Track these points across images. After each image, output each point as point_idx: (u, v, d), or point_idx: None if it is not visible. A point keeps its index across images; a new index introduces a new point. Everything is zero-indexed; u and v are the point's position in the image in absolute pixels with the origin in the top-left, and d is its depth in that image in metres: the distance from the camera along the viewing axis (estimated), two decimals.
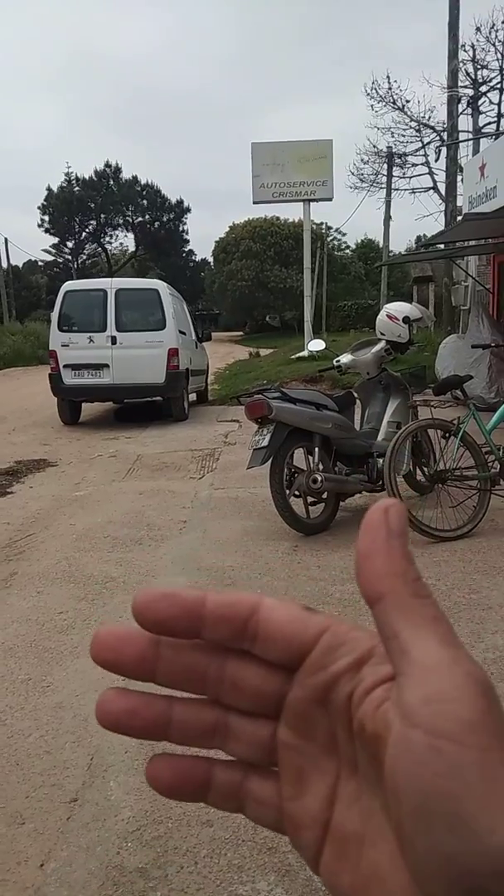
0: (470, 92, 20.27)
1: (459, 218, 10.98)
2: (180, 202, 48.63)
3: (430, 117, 23.35)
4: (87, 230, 47.45)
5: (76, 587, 3.50)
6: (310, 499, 4.19)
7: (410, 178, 24.27)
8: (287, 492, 4.05)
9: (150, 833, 1.77)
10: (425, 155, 23.18)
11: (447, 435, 4.14)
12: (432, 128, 22.32)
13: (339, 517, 4.36)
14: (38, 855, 1.73)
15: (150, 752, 2.10)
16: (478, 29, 21.40)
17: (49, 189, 45.92)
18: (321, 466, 4.10)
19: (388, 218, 25.78)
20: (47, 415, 9.62)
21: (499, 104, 20.91)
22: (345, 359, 4.77)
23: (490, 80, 20.76)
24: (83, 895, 1.59)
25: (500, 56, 20.56)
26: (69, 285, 9.49)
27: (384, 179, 24.63)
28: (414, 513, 3.90)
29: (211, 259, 48.13)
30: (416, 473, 4.57)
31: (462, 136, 16.67)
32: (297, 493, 4.11)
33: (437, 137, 21.46)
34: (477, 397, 7.22)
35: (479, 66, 20.57)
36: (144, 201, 47.67)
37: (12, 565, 3.86)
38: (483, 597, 3.18)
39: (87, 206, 45.87)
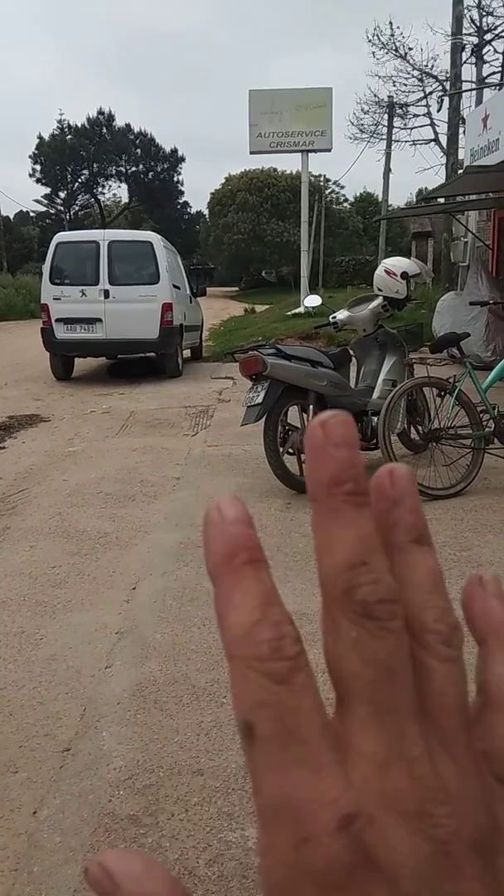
0: (475, 40, 19.53)
1: (461, 171, 10.74)
2: (175, 151, 47.29)
3: (432, 66, 22.50)
4: (79, 180, 46.24)
5: (69, 542, 3.51)
6: (303, 456, 4.17)
7: (411, 129, 23.78)
8: (280, 449, 4.03)
9: (141, 781, 1.81)
10: (427, 105, 22.50)
11: (442, 393, 4.11)
12: (435, 77, 21.61)
13: None
14: (31, 802, 1.76)
15: (142, 705, 2.13)
16: None
17: (40, 137, 44.56)
18: None
19: (387, 170, 25.19)
20: (40, 369, 9.52)
21: None
22: (341, 315, 4.71)
23: (496, 28, 19.97)
24: (75, 841, 1.63)
25: None
26: (61, 236, 9.28)
27: (384, 130, 24.01)
28: None
29: (206, 211, 47.17)
30: (410, 432, 4.56)
31: (465, 86, 16.20)
32: (290, 450, 4.10)
33: (440, 87, 20.82)
34: (473, 355, 7.17)
35: (484, 13, 19.79)
36: (138, 150, 46.35)
37: (5, 520, 3.86)
38: (474, 554, 3.21)
39: (80, 155, 44.56)
